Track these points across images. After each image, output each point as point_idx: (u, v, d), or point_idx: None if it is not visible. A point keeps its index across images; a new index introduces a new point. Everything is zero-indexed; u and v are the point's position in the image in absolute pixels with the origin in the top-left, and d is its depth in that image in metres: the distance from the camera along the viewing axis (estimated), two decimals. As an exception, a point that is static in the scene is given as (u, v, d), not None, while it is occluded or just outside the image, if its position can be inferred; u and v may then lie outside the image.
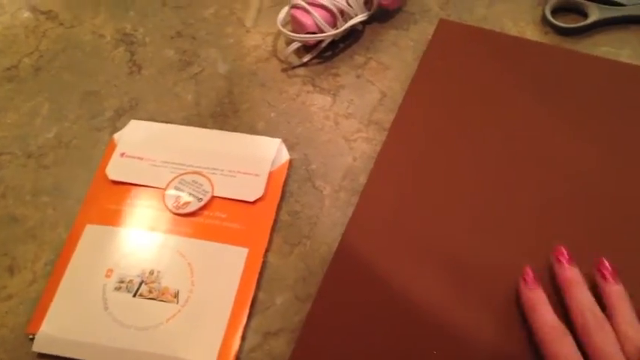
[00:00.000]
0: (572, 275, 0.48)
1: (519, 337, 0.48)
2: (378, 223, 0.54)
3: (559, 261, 0.49)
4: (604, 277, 0.47)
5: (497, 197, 0.54)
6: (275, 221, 0.56)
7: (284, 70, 0.66)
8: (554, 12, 0.67)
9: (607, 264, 0.48)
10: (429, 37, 0.65)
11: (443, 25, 0.65)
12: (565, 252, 0.49)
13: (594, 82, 0.60)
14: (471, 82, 0.61)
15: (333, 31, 0.64)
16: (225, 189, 0.57)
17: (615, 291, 0.46)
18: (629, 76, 0.60)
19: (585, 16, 0.66)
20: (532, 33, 0.66)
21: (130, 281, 0.53)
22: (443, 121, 0.59)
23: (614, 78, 0.60)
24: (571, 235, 0.52)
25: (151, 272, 0.53)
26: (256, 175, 0.58)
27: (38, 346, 0.50)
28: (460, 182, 0.55)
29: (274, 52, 0.67)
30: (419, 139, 0.58)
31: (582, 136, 0.57)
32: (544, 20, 0.67)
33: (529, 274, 0.48)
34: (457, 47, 0.63)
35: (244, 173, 0.58)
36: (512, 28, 0.67)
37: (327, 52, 0.67)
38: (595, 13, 0.65)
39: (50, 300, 0.52)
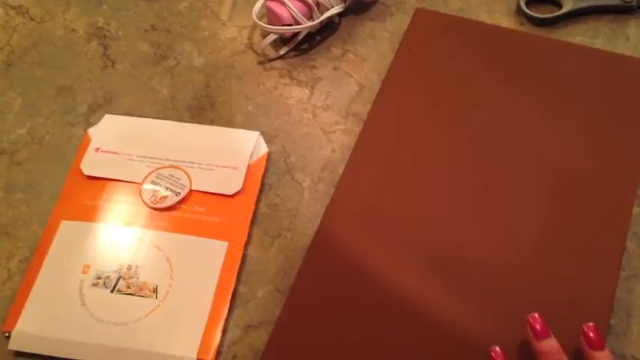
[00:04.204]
0: (550, 349, 0.44)
1: (495, 324, 0.48)
2: (354, 214, 0.54)
3: (535, 333, 0.45)
4: (591, 344, 0.44)
5: (474, 185, 0.55)
6: (254, 214, 0.56)
7: (261, 63, 0.66)
8: (529, 3, 0.67)
9: (593, 331, 0.45)
10: (406, 28, 0.65)
11: (419, 14, 0.65)
12: (539, 320, 0.45)
13: (569, 69, 0.60)
14: (447, 71, 0.61)
15: (310, 23, 0.63)
16: (203, 182, 0.57)
17: (604, 356, 0.44)
18: (602, 62, 0.61)
19: (559, 6, 0.66)
20: (507, 24, 0.67)
21: (108, 277, 0.52)
22: (419, 110, 0.59)
23: (588, 64, 0.60)
24: (547, 219, 0.52)
25: (129, 267, 0.52)
26: (235, 168, 0.57)
27: (14, 344, 0.49)
28: (437, 171, 0.55)
29: (250, 45, 0.67)
30: (396, 128, 0.58)
31: (558, 121, 0.57)
32: (519, 11, 0.67)
33: (498, 354, 0.46)
34: (433, 36, 0.63)
35: (222, 166, 0.58)
36: (487, 20, 0.67)
37: (303, 45, 0.66)
38: (569, 4, 0.66)
39: (26, 297, 0.51)
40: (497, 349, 0.46)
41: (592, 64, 0.60)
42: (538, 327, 0.45)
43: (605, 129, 0.57)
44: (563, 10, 0.66)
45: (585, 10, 0.66)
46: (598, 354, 0.44)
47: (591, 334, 0.45)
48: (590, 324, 0.45)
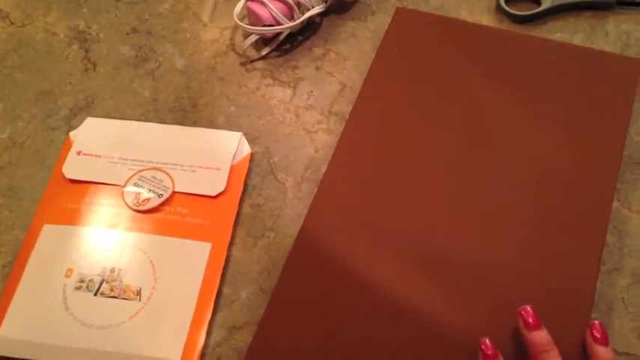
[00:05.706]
0: (541, 341, 0.45)
1: (480, 320, 0.48)
2: (337, 213, 0.54)
3: (527, 324, 0.46)
4: (597, 339, 0.46)
5: (456, 182, 0.55)
6: (238, 215, 0.56)
7: (242, 64, 0.66)
8: (509, 0, 0.67)
9: (600, 326, 0.46)
10: (387, 27, 0.65)
11: (400, 13, 0.65)
12: (532, 313, 0.46)
13: (549, 65, 0.61)
14: (428, 69, 0.61)
15: (290, 24, 0.63)
16: (186, 184, 0.57)
17: (608, 352, 0.45)
18: (582, 58, 0.61)
19: (538, 3, 0.67)
20: (487, 22, 0.67)
21: (91, 280, 0.52)
22: (401, 109, 0.59)
23: (567, 60, 0.61)
24: (528, 215, 0.53)
25: (112, 270, 0.52)
26: (217, 169, 0.57)
27: (-3, 350, 0.49)
28: (419, 169, 0.56)
29: (232, 46, 0.67)
30: (378, 127, 0.58)
31: (539, 117, 0.58)
32: (499, 8, 0.67)
33: (488, 346, 0.46)
34: (414, 34, 0.63)
35: (205, 168, 0.57)
36: (467, 18, 0.67)
37: (285, 45, 0.66)
38: (547, 0, 0.66)
39: (8, 302, 0.51)
40: (487, 341, 0.46)
41: (571, 61, 0.61)
42: (530, 318, 0.46)
43: (584, 124, 0.57)
44: (542, 7, 0.66)
45: (564, 7, 0.67)
46: (602, 349, 0.45)
47: (598, 330, 0.46)
48: (596, 321, 0.46)
